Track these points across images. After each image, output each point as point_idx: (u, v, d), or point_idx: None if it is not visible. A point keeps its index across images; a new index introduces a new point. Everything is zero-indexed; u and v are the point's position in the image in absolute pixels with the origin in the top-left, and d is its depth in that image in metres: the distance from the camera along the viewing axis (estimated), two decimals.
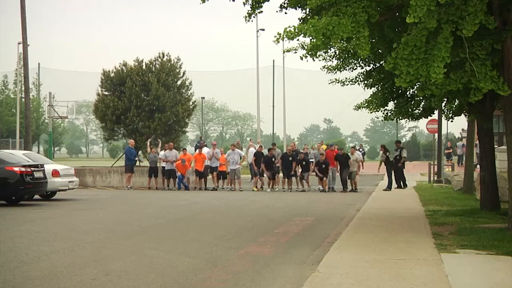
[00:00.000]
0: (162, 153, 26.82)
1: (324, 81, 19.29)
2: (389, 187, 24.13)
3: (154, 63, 37.86)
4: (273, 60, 62.39)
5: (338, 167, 24.96)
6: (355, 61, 15.34)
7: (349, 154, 25.25)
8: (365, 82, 15.63)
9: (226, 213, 16.56)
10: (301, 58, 11.53)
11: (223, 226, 13.39)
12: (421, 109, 15.56)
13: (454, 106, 15.97)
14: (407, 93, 15.42)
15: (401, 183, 24.59)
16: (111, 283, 7.65)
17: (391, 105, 15.92)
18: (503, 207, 14.15)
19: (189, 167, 26.31)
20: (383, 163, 25.50)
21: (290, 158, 25.18)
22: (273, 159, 25.41)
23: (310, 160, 26.60)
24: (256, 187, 25.56)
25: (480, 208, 14.70)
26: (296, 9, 12.74)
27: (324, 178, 24.83)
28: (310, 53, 11.05)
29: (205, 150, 26.87)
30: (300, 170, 25.46)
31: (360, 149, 46.55)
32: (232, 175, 25.56)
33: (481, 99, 11.34)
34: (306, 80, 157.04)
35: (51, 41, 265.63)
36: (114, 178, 28.06)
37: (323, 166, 24.83)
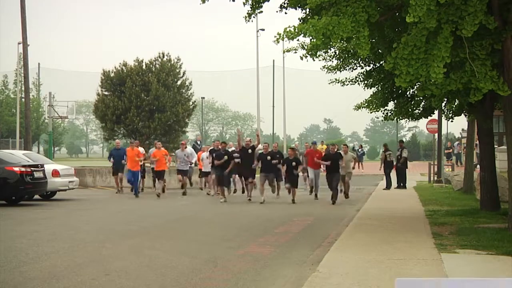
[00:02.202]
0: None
1: (324, 81, 19.27)
2: (388, 187, 24.18)
3: (154, 63, 37.90)
4: (273, 60, 62.51)
5: (325, 168, 19.68)
6: (355, 61, 15.37)
7: (341, 153, 19.91)
8: (365, 82, 15.64)
9: (225, 213, 16.55)
10: (301, 58, 11.54)
11: (223, 226, 13.38)
12: (421, 109, 15.58)
13: (454, 106, 15.99)
14: (407, 93, 15.43)
15: (401, 183, 24.62)
16: (111, 283, 7.65)
17: (391, 105, 15.94)
18: (503, 207, 14.15)
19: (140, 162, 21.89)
20: (383, 162, 25.47)
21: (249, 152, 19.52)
22: (227, 156, 19.59)
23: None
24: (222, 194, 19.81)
25: (480, 208, 14.70)
26: (296, 9, 12.75)
27: (292, 185, 19.06)
28: (310, 53, 11.05)
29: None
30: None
31: (360, 150, 46.24)
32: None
33: (481, 99, 11.35)
34: (306, 80, 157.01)
35: (51, 41, 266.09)
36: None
37: (293, 164, 18.95)
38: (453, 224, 12.64)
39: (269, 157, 19.12)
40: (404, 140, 40.38)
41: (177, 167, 22.88)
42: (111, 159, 23.84)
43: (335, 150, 19.55)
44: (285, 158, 19.90)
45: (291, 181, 19.08)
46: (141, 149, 23.07)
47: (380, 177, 31.00)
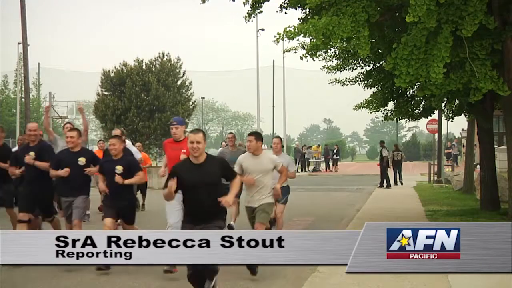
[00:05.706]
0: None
1: (324, 81, 19.29)
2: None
3: (154, 63, 37.92)
4: (273, 60, 62.48)
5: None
6: (355, 61, 15.36)
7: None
8: (365, 82, 15.64)
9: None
10: (301, 58, 11.56)
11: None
12: (421, 109, 15.58)
13: (454, 106, 15.99)
14: (407, 93, 15.44)
15: (385, 182, 25.12)
16: (111, 283, 7.65)
17: (391, 105, 15.94)
18: (503, 207, 14.15)
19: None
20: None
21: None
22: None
23: None
24: None
25: (480, 208, 14.69)
26: (296, 9, 12.77)
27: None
28: (310, 53, 11.07)
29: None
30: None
31: (335, 150, 41.32)
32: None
33: (481, 99, 11.36)
34: (306, 80, 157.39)
35: (51, 41, 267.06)
36: None
37: (117, 169, 8.53)
38: None
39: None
40: (404, 140, 40.44)
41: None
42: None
43: (203, 156, 6.23)
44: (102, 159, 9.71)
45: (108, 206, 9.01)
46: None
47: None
